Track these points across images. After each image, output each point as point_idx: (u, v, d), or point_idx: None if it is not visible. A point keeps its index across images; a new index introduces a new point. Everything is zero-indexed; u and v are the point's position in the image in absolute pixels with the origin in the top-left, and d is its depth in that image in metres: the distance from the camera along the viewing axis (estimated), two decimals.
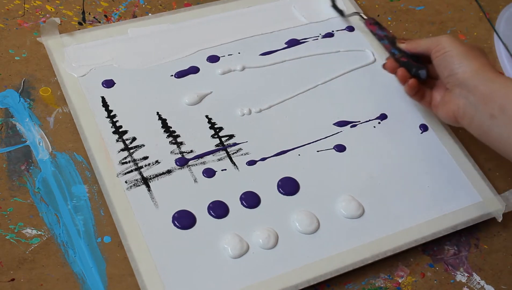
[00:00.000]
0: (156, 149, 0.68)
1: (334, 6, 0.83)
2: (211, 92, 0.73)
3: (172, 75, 0.74)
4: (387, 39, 0.74)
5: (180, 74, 0.74)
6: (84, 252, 0.61)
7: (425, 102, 0.71)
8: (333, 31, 0.82)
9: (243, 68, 0.76)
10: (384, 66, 0.73)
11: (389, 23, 0.85)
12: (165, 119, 0.70)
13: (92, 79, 0.72)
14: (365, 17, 0.80)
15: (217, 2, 0.82)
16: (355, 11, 0.82)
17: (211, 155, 0.68)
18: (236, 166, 0.68)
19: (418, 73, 0.70)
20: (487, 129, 0.63)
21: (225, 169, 0.67)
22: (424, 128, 0.74)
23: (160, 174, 0.66)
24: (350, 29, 0.82)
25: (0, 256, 0.59)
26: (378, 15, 0.86)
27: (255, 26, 0.80)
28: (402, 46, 0.72)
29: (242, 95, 0.74)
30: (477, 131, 0.65)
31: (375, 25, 0.77)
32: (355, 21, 0.82)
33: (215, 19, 0.80)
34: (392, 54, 0.72)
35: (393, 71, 0.72)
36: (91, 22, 0.78)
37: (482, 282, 0.65)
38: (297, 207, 0.65)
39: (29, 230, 0.61)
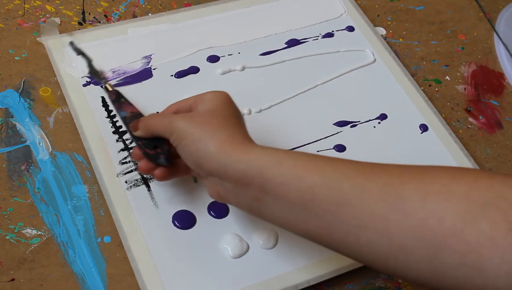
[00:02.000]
0: None
1: (92, 72, 0.73)
2: None
3: (172, 75, 0.74)
4: (125, 123, 0.63)
5: (180, 74, 0.74)
6: (84, 252, 0.61)
7: (193, 174, 0.62)
8: (333, 31, 0.82)
9: (243, 68, 0.76)
10: (131, 156, 0.65)
11: (389, 23, 0.85)
12: None
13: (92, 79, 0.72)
14: (108, 88, 0.67)
15: (217, 2, 0.82)
16: (106, 82, 0.71)
17: None
18: None
19: (158, 163, 0.59)
20: (257, 210, 0.53)
21: None
22: (424, 128, 0.74)
23: None
24: (350, 29, 0.82)
25: (0, 256, 0.59)
26: (378, 15, 0.86)
27: (255, 26, 0.80)
28: (137, 133, 0.61)
29: (242, 95, 0.73)
30: (250, 212, 0.55)
31: (114, 103, 0.66)
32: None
33: (215, 19, 0.80)
34: (134, 141, 0.62)
35: (139, 160, 0.62)
36: (91, 22, 0.78)
37: None
38: None
39: (29, 230, 0.61)
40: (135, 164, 0.66)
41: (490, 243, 0.42)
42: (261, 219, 0.54)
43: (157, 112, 0.67)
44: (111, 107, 0.69)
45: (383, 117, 0.74)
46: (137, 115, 0.64)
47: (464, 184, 0.45)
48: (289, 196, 0.50)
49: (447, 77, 0.81)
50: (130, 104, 0.65)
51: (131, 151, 0.66)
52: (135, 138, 0.61)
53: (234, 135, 0.55)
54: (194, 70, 0.75)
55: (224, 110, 0.57)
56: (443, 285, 0.45)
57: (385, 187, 0.47)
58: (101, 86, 0.70)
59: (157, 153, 0.59)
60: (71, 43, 0.74)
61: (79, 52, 0.73)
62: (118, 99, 0.66)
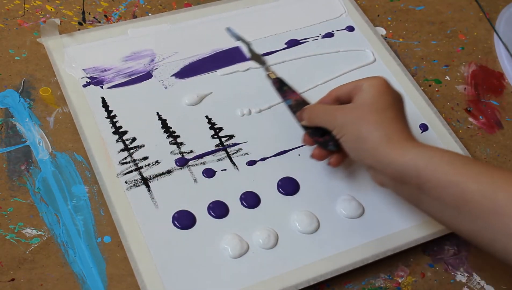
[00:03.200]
0: (156, 149, 0.68)
1: (254, 57, 0.76)
2: (211, 92, 0.73)
3: (172, 76, 0.74)
4: (292, 111, 0.67)
5: (180, 75, 0.74)
6: (84, 252, 0.61)
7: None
8: (333, 31, 0.82)
9: (247, 69, 0.76)
10: (302, 141, 0.67)
11: (389, 23, 0.85)
12: (165, 119, 0.70)
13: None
14: (272, 77, 0.71)
15: (217, 2, 0.82)
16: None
17: (211, 155, 0.68)
18: (236, 166, 0.68)
19: (328, 149, 0.63)
20: (415, 203, 0.58)
21: (225, 169, 0.67)
22: (424, 128, 0.74)
23: (160, 174, 0.66)
24: (350, 29, 0.82)
25: (0, 256, 0.59)
26: (378, 15, 0.86)
27: (255, 26, 0.80)
28: (303, 123, 0.65)
29: (242, 95, 0.74)
30: (408, 202, 0.59)
31: (278, 92, 0.69)
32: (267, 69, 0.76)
33: (215, 19, 0.80)
34: (302, 129, 0.66)
35: (311, 145, 0.66)
36: (91, 22, 0.78)
37: (482, 282, 0.65)
38: (297, 207, 0.65)
39: (29, 230, 0.61)
40: (135, 164, 0.66)
41: None
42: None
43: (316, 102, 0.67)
44: (110, 99, 0.69)
45: None
46: (301, 103, 0.67)
47: None
48: (443, 198, 0.53)
49: (447, 77, 0.81)
50: (293, 92, 0.68)
51: (131, 151, 0.67)
52: (303, 127, 0.65)
53: (390, 135, 0.57)
54: (194, 70, 0.75)
55: (381, 102, 0.59)
56: None
57: None
58: (265, 71, 0.72)
59: (325, 140, 0.63)
60: (228, 29, 0.76)
61: (238, 37, 0.76)
62: (281, 87, 0.69)
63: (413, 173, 0.55)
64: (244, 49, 0.76)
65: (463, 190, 0.52)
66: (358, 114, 0.59)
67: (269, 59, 0.77)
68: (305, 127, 0.65)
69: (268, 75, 0.71)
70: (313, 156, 0.65)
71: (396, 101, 0.60)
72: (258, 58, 0.75)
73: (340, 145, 0.62)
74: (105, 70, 0.73)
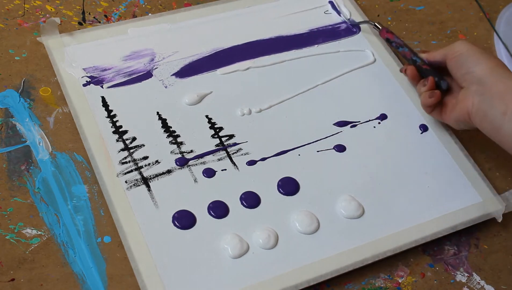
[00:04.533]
0: (156, 149, 0.68)
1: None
2: (211, 92, 0.73)
3: (172, 75, 0.74)
4: (407, 47, 0.75)
5: (180, 74, 0.74)
6: (84, 252, 0.61)
7: (435, 113, 0.72)
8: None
9: (247, 68, 0.76)
10: (404, 72, 0.75)
11: (389, 23, 0.85)
12: (165, 119, 0.70)
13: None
14: (380, 27, 0.79)
15: (217, 2, 0.82)
16: (366, 19, 0.82)
17: (211, 155, 0.68)
18: (236, 166, 0.68)
19: (440, 83, 0.71)
20: (499, 125, 0.64)
21: (225, 169, 0.67)
22: (424, 128, 0.74)
23: (160, 174, 0.66)
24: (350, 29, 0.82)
25: (0, 256, 0.59)
26: (378, 15, 0.86)
27: (255, 26, 0.80)
28: (423, 55, 0.73)
29: (242, 95, 0.74)
30: (489, 126, 0.66)
31: (391, 33, 0.78)
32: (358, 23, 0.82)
33: (215, 19, 0.80)
34: (413, 62, 0.74)
35: (414, 78, 0.74)
36: (91, 22, 0.78)
37: (482, 282, 0.65)
38: (297, 207, 0.66)
39: (29, 230, 0.61)
40: (135, 164, 0.66)
41: None
42: (494, 137, 0.66)
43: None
44: (110, 99, 0.70)
45: (383, 117, 0.74)
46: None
47: None
48: None
49: None
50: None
51: (131, 151, 0.67)
52: (420, 59, 0.73)
53: (504, 65, 0.67)
54: (194, 69, 0.75)
55: (493, 54, 0.70)
56: None
57: None
58: (374, 26, 0.81)
59: (441, 75, 0.71)
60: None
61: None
62: (393, 33, 0.78)
63: None
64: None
65: None
66: (478, 47, 0.69)
67: (269, 59, 0.77)
68: (421, 61, 0.73)
69: (375, 25, 0.80)
70: (406, 72, 0.74)
71: None
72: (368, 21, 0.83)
73: (450, 89, 0.71)
74: (105, 70, 0.73)
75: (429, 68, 0.72)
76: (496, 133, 0.65)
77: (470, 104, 0.67)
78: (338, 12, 0.83)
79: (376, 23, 0.80)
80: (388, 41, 0.78)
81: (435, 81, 0.71)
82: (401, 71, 0.76)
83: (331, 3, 0.84)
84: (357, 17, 0.83)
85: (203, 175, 0.66)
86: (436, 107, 0.71)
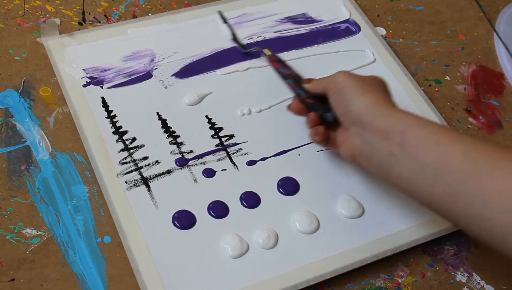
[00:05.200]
0: (156, 149, 0.68)
1: (235, 40, 0.78)
2: (211, 92, 0.73)
3: (172, 75, 0.74)
4: (292, 78, 0.69)
5: (180, 75, 0.74)
6: (84, 252, 0.61)
7: (330, 145, 0.66)
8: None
9: (247, 69, 0.76)
10: (289, 107, 0.68)
11: (389, 23, 0.85)
12: (165, 119, 0.70)
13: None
14: (268, 53, 0.74)
15: (217, 2, 0.82)
16: (260, 48, 0.76)
17: (211, 155, 0.68)
18: (236, 166, 0.68)
19: (324, 115, 0.64)
20: (386, 168, 0.57)
21: (225, 169, 0.67)
22: None
23: (160, 174, 0.66)
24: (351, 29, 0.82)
25: (0, 256, 0.59)
26: (378, 15, 0.86)
27: (255, 26, 0.80)
28: (307, 86, 0.66)
29: (242, 95, 0.74)
30: (376, 171, 0.59)
31: (278, 63, 0.72)
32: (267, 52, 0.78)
33: (215, 19, 0.80)
34: (297, 95, 0.67)
35: (299, 113, 0.67)
36: (91, 22, 0.78)
37: (482, 282, 0.65)
38: (297, 207, 0.66)
39: (29, 230, 0.61)
40: (135, 164, 0.66)
41: None
42: (385, 180, 0.59)
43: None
44: (110, 99, 0.69)
45: None
46: (298, 76, 0.70)
47: None
48: (423, 157, 0.54)
49: (447, 77, 0.81)
50: (290, 66, 0.72)
51: (131, 151, 0.67)
52: (303, 91, 0.67)
53: (387, 100, 0.61)
54: (194, 70, 0.75)
55: (382, 85, 0.63)
56: None
57: None
58: (260, 52, 0.76)
59: (325, 108, 0.64)
60: (220, 12, 0.79)
61: (225, 20, 0.79)
62: (281, 60, 0.73)
63: (401, 128, 0.56)
64: (228, 32, 0.78)
65: (446, 151, 0.53)
66: (360, 78, 0.62)
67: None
68: (306, 94, 0.66)
69: (264, 52, 0.74)
70: (310, 119, 0.65)
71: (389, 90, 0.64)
72: (239, 43, 0.77)
73: (336, 118, 0.63)
74: (105, 70, 0.73)
75: (312, 102, 0.65)
76: (386, 175, 0.58)
77: (352, 146, 0.61)
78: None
79: (263, 50, 0.74)
80: (276, 71, 0.72)
81: (319, 115, 0.65)
82: (288, 107, 0.69)
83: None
84: (357, 16, 0.83)
85: (203, 175, 0.66)
86: (328, 139, 0.65)
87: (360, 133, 0.59)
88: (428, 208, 0.56)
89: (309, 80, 0.67)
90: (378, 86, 0.62)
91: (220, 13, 0.79)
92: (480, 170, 0.51)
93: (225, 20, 0.79)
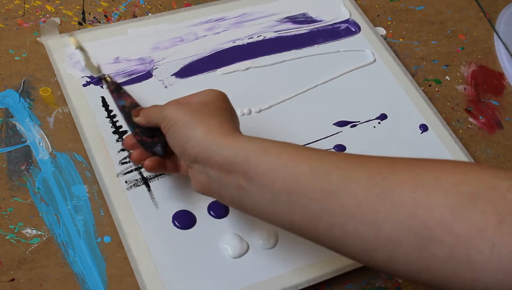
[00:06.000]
0: None
1: (88, 65, 0.73)
2: None
3: (172, 75, 0.74)
4: (124, 112, 0.64)
5: (180, 74, 0.74)
6: (84, 252, 0.61)
7: (181, 172, 0.61)
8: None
9: (247, 68, 0.76)
10: (122, 143, 0.64)
11: (389, 23, 0.85)
12: None
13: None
14: (108, 80, 0.68)
15: (217, 2, 0.82)
16: (103, 73, 0.71)
17: None
18: None
19: (153, 151, 0.60)
20: (239, 201, 0.53)
21: None
22: (424, 128, 0.74)
23: (160, 174, 0.66)
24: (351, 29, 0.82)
25: (0, 256, 0.59)
26: (378, 15, 0.86)
27: (255, 26, 0.80)
28: (136, 120, 0.61)
29: (242, 95, 0.74)
30: (232, 205, 0.56)
31: (114, 93, 0.66)
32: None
33: (215, 19, 0.80)
34: (130, 129, 0.63)
35: (132, 149, 0.62)
36: (91, 22, 0.78)
37: None
38: None
39: (29, 230, 0.61)
40: (135, 164, 0.66)
41: (480, 235, 0.41)
42: (245, 213, 0.54)
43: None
44: (110, 99, 0.69)
45: (383, 117, 0.74)
46: (135, 105, 0.64)
47: (454, 176, 0.44)
48: (274, 184, 0.49)
49: (447, 77, 0.81)
50: (129, 96, 0.65)
51: (131, 151, 0.66)
52: (132, 126, 0.62)
53: (223, 124, 0.55)
54: (194, 69, 0.75)
55: (218, 103, 0.57)
56: (432, 279, 0.44)
57: (373, 177, 0.46)
58: (100, 79, 0.71)
59: (154, 141, 0.60)
60: (71, 34, 0.74)
61: (78, 46, 0.73)
62: (118, 89, 0.66)
63: (242, 158, 0.51)
64: (80, 57, 0.73)
65: (296, 173, 0.49)
66: (192, 108, 0.56)
67: (269, 59, 0.77)
68: (135, 128, 0.61)
69: (105, 79, 0.68)
70: (131, 157, 0.61)
71: (232, 110, 0.59)
72: (92, 68, 0.72)
73: (166, 151, 0.59)
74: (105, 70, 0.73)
75: (140, 139, 0.60)
76: (243, 209, 0.54)
77: (200, 184, 0.56)
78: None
79: (106, 77, 0.69)
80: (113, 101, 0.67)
81: (149, 151, 0.60)
82: (122, 144, 0.65)
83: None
84: (357, 16, 0.83)
85: None
86: (177, 166, 0.61)
87: (203, 170, 0.54)
88: (296, 234, 0.51)
89: (139, 112, 0.61)
90: (213, 110, 0.56)
91: (72, 35, 0.74)
92: (334, 185, 0.47)
93: (78, 46, 0.74)
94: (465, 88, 0.81)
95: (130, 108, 0.63)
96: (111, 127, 0.68)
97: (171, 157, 0.60)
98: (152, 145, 0.60)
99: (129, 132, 0.63)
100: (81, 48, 0.73)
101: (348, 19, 0.83)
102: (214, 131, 0.54)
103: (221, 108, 0.57)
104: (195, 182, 0.56)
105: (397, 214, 0.44)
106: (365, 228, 0.46)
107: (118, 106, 0.65)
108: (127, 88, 0.72)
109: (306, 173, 0.48)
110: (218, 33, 0.79)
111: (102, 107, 0.70)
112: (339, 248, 0.49)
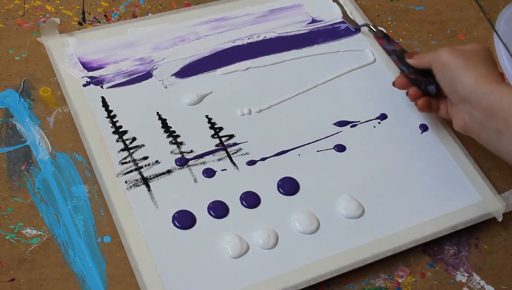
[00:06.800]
0: (156, 149, 0.68)
1: (346, 17, 0.82)
2: (211, 92, 0.73)
3: (172, 75, 0.74)
4: (395, 54, 0.73)
5: (180, 74, 0.74)
6: (84, 252, 0.61)
7: (441, 113, 0.70)
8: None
9: (247, 68, 0.76)
10: (394, 83, 0.72)
11: (389, 23, 0.85)
12: (165, 119, 0.70)
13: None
14: (374, 30, 0.78)
15: (217, 2, 0.82)
16: (368, 24, 0.80)
17: (211, 155, 0.68)
18: (236, 166, 0.68)
19: (427, 89, 0.69)
20: (496, 144, 0.62)
21: (225, 169, 0.67)
22: (424, 128, 0.74)
23: (160, 174, 0.66)
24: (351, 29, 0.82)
25: (0, 256, 0.59)
26: (378, 15, 0.86)
27: (254, 26, 0.80)
28: (410, 61, 0.70)
29: (242, 95, 0.74)
30: (487, 145, 0.64)
31: (383, 39, 0.76)
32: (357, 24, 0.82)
33: (215, 19, 0.80)
34: (401, 70, 0.72)
35: (404, 88, 0.71)
36: (91, 22, 0.78)
37: (482, 282, 0.65)
38: (297, 207, 0.65)
39: (29, 230, 0.61)
40: (135, 164, 0.66)
41: None
42: (497, 154, 0.63)
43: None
44: (110, 99, 0.69)
45: (383, 117, 0.74)
46: (403, 50, 0.73)
47: None
48: None
49: None
50: (396, 42, 0.75)
51: (131, 151, 0.67)
52: (406, 67, 0.71)
53: (491, 73, 0.63)
54: (194, 70, 0.75)
55: (486, 54, 0.66)
56: None
57: None
58: (369, 29, 0.79)
59: (427, 80, 0.68)
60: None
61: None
62: (386, 36, 0.76)
63: (506, 106, 0.59)
64: (337, 10, 0.83)
65: None
66: (463, 52, 0.65)
67: (269, 59, 0.77)
68: (409, 68, 0.70)
69: (371, 28, 0.78)
70: (409, 94, 0.69)
71: (494, 62, 0.66)
72: (350, 20, 0.82)
73: (438, 91, 0.68)
74: (105, 70, 0.73)
75: (414, 77, 0.70)
76: (497, 150, 0.63)
77: (463, 122, 0.65)
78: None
79: (371, 27, 0.79)
80: (381, 47, 0.77)
81: (423, 89, 0.69)
82: (393, 84, 0.72)
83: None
84: (357, 16, 0.83)
85: (203, 175, 0.66)
86: (439, 108, 0.70)
87: (468, 110, 0.63)
88: None
89: (412, 55, 0.70)
90: (483, 60, 0.64)
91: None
92: None
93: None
94: None
95: (401, 51, 0.73)
96: (111, 127, 0.68)
97: (436, 98, 0.69)
98: (426, 84, 0.69)
99: (398, 73, 0.73)
100: (337, 2, 0.83)
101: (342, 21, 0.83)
102: (483, 79, 0.62)
103: (489, 59, 0.65)
104: (458, 120, 0.66)
105: None
106: None
107: (387, 50, 0.75)
108: (127, 88, 0.72)
109: None
110: (218, 33, 0.79)
111: (102, 107, 0.70)
112: None
